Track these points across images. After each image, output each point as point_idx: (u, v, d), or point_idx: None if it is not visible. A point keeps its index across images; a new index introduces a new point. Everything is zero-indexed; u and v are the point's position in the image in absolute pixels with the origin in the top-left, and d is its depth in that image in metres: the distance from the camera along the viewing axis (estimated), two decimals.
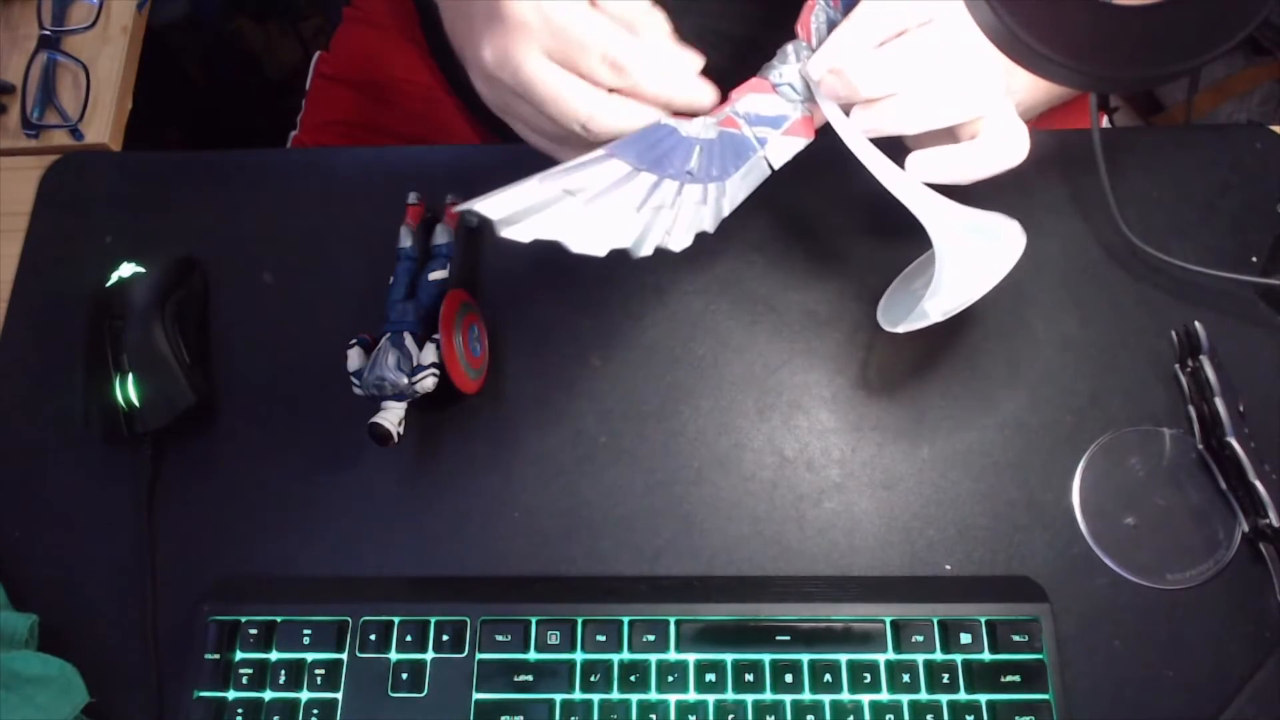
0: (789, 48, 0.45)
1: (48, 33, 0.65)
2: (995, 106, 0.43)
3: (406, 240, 0.52)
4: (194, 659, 0.46)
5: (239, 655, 0.46)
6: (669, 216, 0.42)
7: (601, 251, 0.40)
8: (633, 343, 0.54)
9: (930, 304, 0.42)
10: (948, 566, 0.49)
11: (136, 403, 0.50)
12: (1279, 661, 0.46)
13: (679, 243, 0.43)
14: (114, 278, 0.53)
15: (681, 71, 0.43)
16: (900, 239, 0.55)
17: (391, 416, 0.47)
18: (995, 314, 0.53)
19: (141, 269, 0.53)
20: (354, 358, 0.48)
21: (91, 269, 0.54)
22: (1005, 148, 0.44)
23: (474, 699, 0.45)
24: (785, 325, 0.54)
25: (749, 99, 0.45)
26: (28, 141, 0.63)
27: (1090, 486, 0.50)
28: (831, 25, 0.45)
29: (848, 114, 0.44)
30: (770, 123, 0.45)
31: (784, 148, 0.45)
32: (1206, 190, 0.55)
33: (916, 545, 0.49)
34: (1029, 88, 0.51)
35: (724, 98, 0.45)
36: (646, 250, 0.41)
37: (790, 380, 0.52)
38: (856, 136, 0.44)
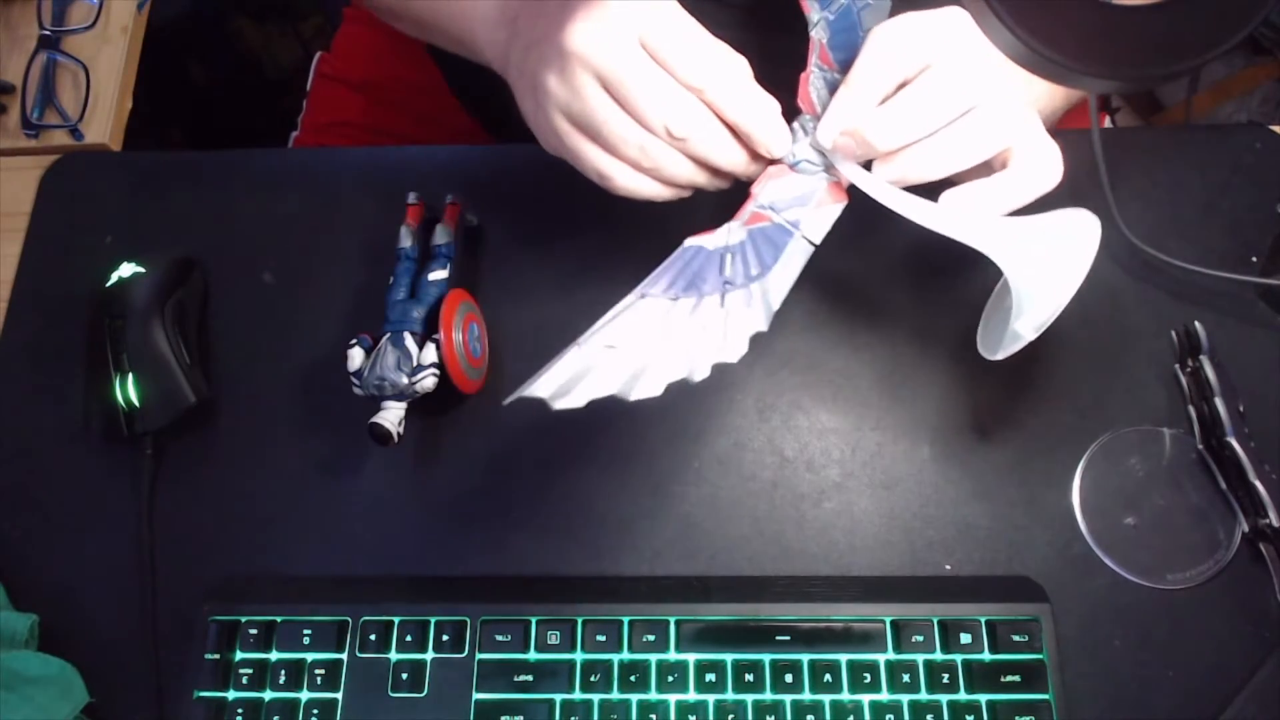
0: (795, 125, 0.45)
1: (48, 33, 0.65)
2: (1021, 131, 0.42)
3: (406, 240, 0.52)
4: (194, 659, 0.46)
5: (239, 655, 0.46)
6: (718, 331, 0.42)
7: (659, 390, 0.39)
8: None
9: (1020, 324, 0.40)
10: (948, 566, 0.49)
11: (136, 403, 0.50)
12: (1279, 661, 0.46)
13: (735, 352, 0.42)
14: (114, 278, 0.53)
15: (761, 119, 0.42)
16: (900, 238, 0.55)
17: (391, 416, 0.47)
18: None
19: (141, 269, 0.53)
20: (354, 358, 0.48)
21: (91, 269, 0.54)
22: (1040, 171, 0.42)
23: (474, 699, 0.45)
24: (785, 325, 0.54)
25: (770, 188, 0.44)
26: (28, 141, 0.63)
27: (1090, 486, 0.50)
28: (831, 88, 0.45)
29: (868, 168, 0.44)
30: (799, 201, 0.45)
31: (820, 220, 0.45)
32: (1206, 190, 0.55)
33: (916, 545, 0.49)
34: (1049, 94, 0.50)
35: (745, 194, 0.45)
36: (704, 373, 0.40)
37: (790, 380, 0.52)
38: (883, 189, 0.43)
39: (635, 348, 0.40)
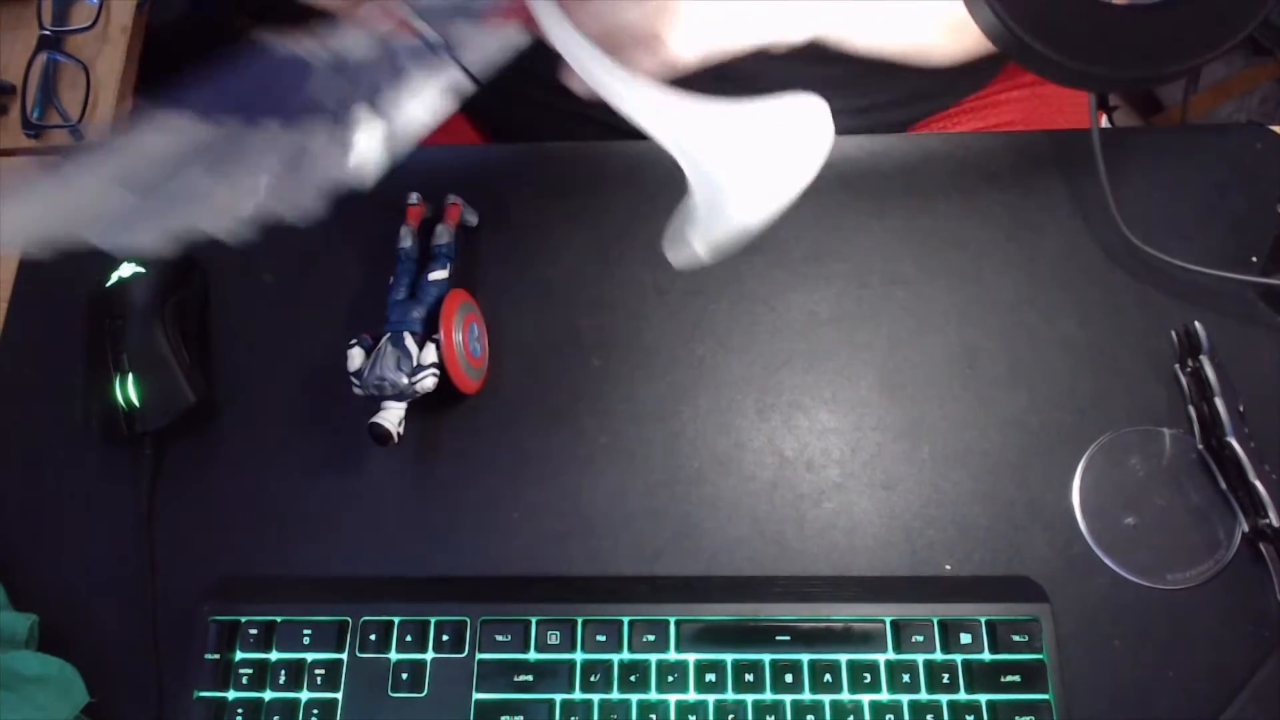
0: None
1: (48, 33, 0.65)
2: None
3: (406, 240, 0.52)
4: (194, 659, 0.46)
5: (239, 655, 0.46)
6: (278, 178, 0.29)
7: (156, 243, 0.28)
8: (633, 343, 0.54)
9: (693, 234, 0.31)
10: (948, 566, 0.49)
11: (136, 403, 0.50)
12: (1279, 661, 0.46)
13: (300, 209, 0.29)
14: (114, 278, 0.53)
15: None
16: (900, 237, 0.55)
17: (391, 416, 0.47)
18: (995, 314, 0.53)
19: (141, 269, 0.53)
20: (354, 358, 0.48)
21: (91, 269, 0.54)
22: None
23: (474, 699, 0.45)
24: (785, 325, 0.54)
25: None
26: (28, 141, 0.63)
27: (1090, 486, 0.50)
28: None
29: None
30: (455, 12, 0.31)
31: (483, 42, 0.31)
32: (1206, 190, 0.55)
33: (916, 545, 0.49)
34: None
35: None
36: (240, 229, 0.28)
37: (790, 380, 0.52)
38: (565, 30, 0.30)
39: (145, 187, 0.28)
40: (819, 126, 0.32)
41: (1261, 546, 0.47)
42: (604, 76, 0.31)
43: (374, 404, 0.48)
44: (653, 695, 0.45)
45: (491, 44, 0.31)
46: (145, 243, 0.27)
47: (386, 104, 0.30)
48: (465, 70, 0.31)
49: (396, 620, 0.46)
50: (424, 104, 0.31)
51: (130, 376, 0.50)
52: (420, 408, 0.50)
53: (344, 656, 0.46)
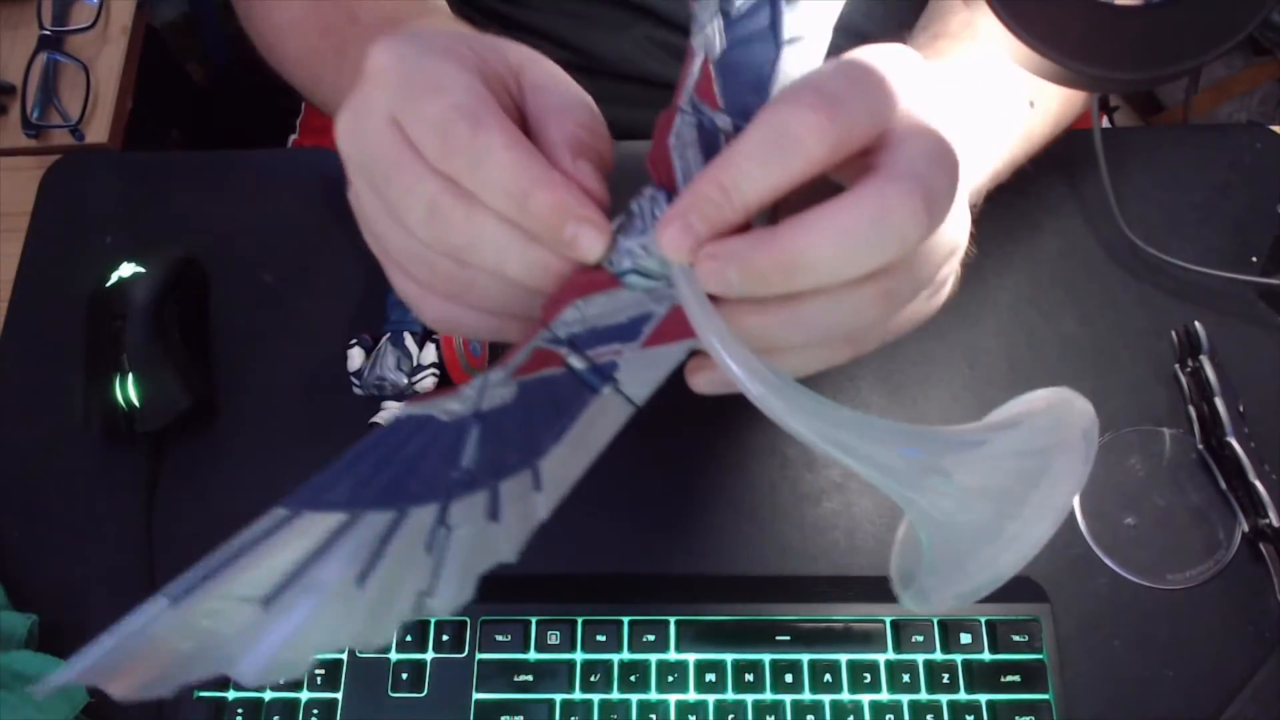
0: (634, 205, 0.27)
1: (48, 33, 0.65)
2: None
3: None
4: None
5: None
6: (425, 567, 0.26)
7: (302, 670, 0.25)
8: None
9: (931, 583, 0.28)
10: None
11: (136, 403, 0.50)
12: (1279, 661, 0.46)
13: (450, 600, 0.26)
14: (114, 278, 0.53)
15: (543, 205, 0.26)
16: None
17: (391, 416, 0.47)
18: (995, 314, 0.53)
19: (141, 269, 0.53)
20: (354, 358, 0.48)
21: (91, 269, 0.54)
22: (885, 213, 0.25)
23: (474, 699, 0.45)
24: None
25: (576, 309, 0.26)
26: (28, 141, 0.63)
27: (1090, 486, 0.50)
28: (707, 146, 0.27)
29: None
30: (621, 334, 0.27)
31: (650, 369, 0.27)
32: (1206, 190, 0.55)
33: None
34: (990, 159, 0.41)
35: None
36: (382, 638, 0.25)
37: None
38: (740, 354, 0.25)
39: (275, 601, 0.24)
40: (1084, 422, 0.26)
41: (1261, 546, 0.47)
42: (809, 418, 0.25)
43: (374, 404, 0.48)
44: (653, 695, 0.45)
45: (655, 367, 0.27)
46: (286, 670, 0.24)
47: (536, 459, 0.26)
48: (626, 398, 0.27)
49: None
50: (582, 448, 0.27)
51: (130, 376, 0.50)
52: None
53: (344, 656, 0.46)
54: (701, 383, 0.29)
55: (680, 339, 0.27)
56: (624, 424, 0.27)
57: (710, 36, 0.28)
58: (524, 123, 0.30)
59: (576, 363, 0.27)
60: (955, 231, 0.30)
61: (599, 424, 0.27)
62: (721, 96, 0.27)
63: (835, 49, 0.29)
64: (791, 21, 0.28)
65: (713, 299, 0.25)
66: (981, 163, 0.39)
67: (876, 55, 0.27)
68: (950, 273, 0.31)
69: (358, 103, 0.29)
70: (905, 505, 0.27)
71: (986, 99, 0.41)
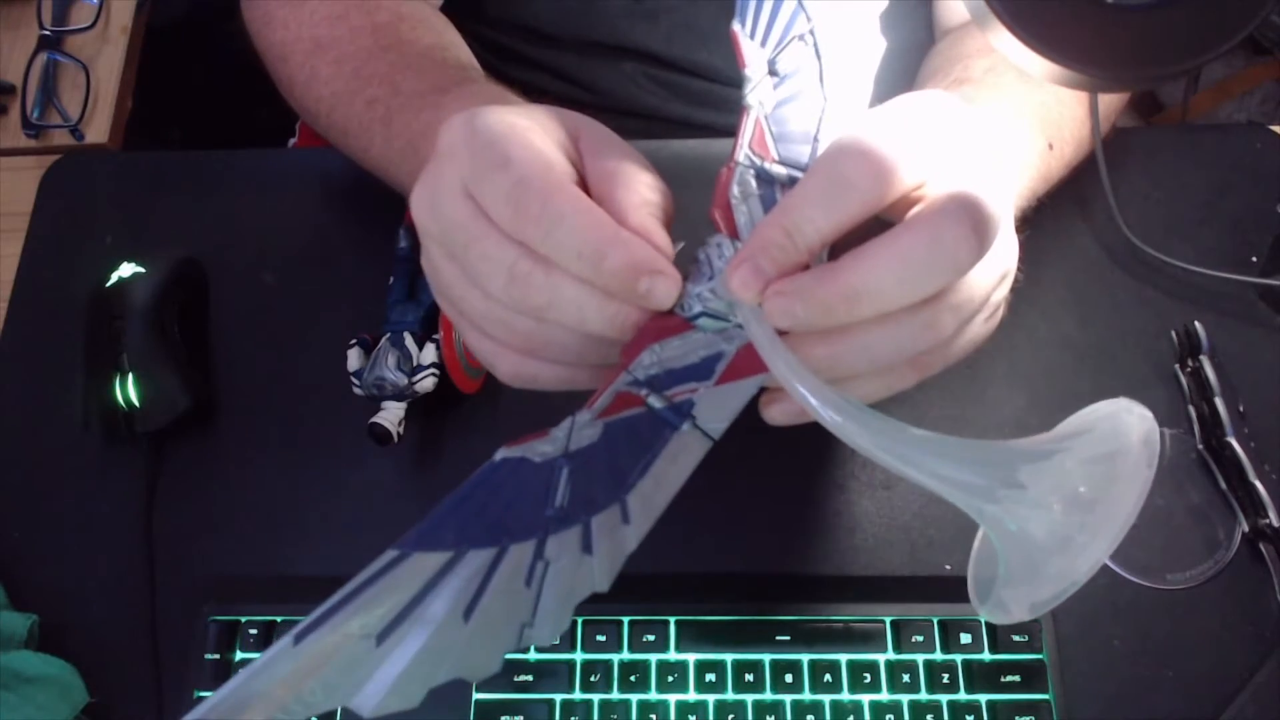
0: (701, 254, 0.30)
1: (48, 33, 0.65)
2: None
3: (405, 240, 0.52)
4: (194, 659, 0.46)
5: (239, 655, 0.46)
6: (525, 599, 0.27)
7: (415, 701, 0.26)
8: None
9: (1009, 595, 0.28)
10: (948, 566, 0.49)
11: (136, 403, 0.50)
12: (1279, 661, 0.46)
13: (549, 631, 0.27)
14: (114, 278, 0.53)
15: (613, 260, 0.28)
16: None
17: (391, 416, 0.47)
18: None
19: (141, 269, 0.53)
20: (354, 358, 0.48)
21: (91, 269, 0.54)
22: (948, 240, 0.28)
23: (474, 699, 0.45)
24: None
25: (652, 353, 0.29)
26: (28, 141, 0.63)
27: None
28: (765, 199, 0.30)
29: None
30: (696, 373, 0.29)
31: (726, 402, 0.29)
32: (1206, 190, 0.55)
33: (916, 545, 0.49)
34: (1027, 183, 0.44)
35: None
36: (490, 669, 0.27)
37: None
38: (813, 385, 0.27)
39: (388, 636, 0.26)
40: (1140, 439, 0.28)
41: (1261, 546, 0.47)
42: (883, 439, 0.28)
43: (374, 404, 0.48)
44: (653, 695, 0.45)
45: (729, 402, 0.29)
46: (401, 702, 0.26)
47: (624, 494, 0.28)
48: (704, 433, 0.29)
49: None
50: (666, 483, 0.29)
51: (130, 376, 0.50)
52: (420, 408, 0.50)
53: None
54: (776, 414, 0.30)
55: (751, 374, 0.29)
56: (702, 458, 0.29)
57: (762, 94, 0.30)
58: (584, 184, 0.31)
59: (656, 403, 0.29)
60: (1005, 256, 0.31)
61: (680, 459, 0.28)
62: (775, 149, 0.30)
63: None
64: (835, 75, 0.30)
65: (781, 335, 0.28)
66: (1014, 196, 0.41)
67: (919, 102, 0.30)
68: (1003, 295, 0.33)
69: (432, 177, 0.31)
70: (980, 519, 0.28)
71: (1010, 141, 0.44)
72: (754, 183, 0.30)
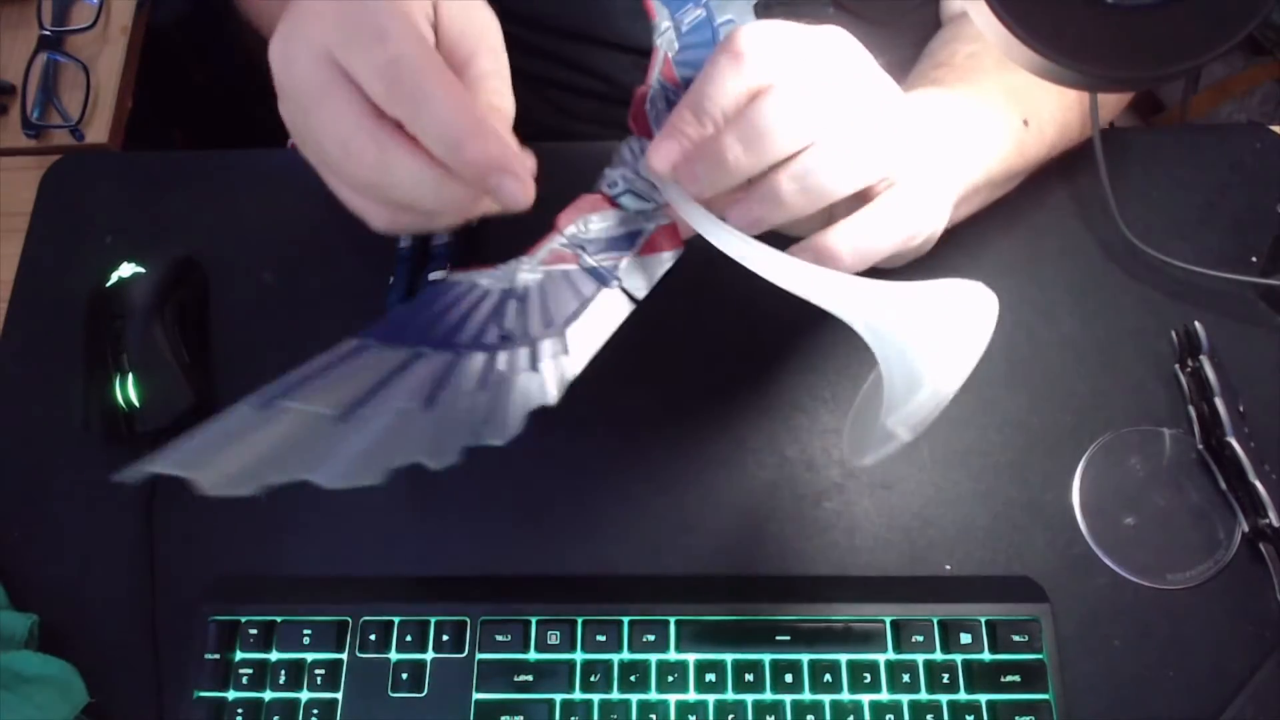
0: (623, 147, 0.36)
1: (48, 33, 0.65)
2: (895, 161, 0.36)
3: (406, 240, 0.52)
4: (194, 659, 0.46)
5: (239, 655, 0.46)
6: (480, 401, 0.30)
7: (378, 478, 0.27)
8: (632, 343, 0.54)
9: (893, 420, 0.32)
10: (948, 566, 0.49)
11: (136, 403, 0.50)
12: (1279, 661, 0.46)
13: (502, 431, 0.30)
14: (114, 278, 0.53)
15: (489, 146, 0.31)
16: None
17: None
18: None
19: (141, 269, 0.53)
20: None
21: (91, 269, 0.54)
22: (907, 210, 0.35)
23: (474, 699, 0.45)
24: (785, 325, 0.54)
25: (582, 222, 0.35)
26: (28, 141, 0.63)
27: (1090, 486, 0.50)
28: (672, 108, 0.36)
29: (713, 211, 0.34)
30: (618, 245, 0.35)
31: (644, 271, 0.35)
32: (1206, 190, 0.55)
33: (916, 545, 0.49)
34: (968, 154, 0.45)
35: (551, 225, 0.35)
36: (450, 458, 0.29)
37: (790, 380, 0.52)
38: (727, 234, 0.34)
39: (349, 416, 0.28)
40: (987, 298, 0.33)
41: (1261, 546, 0.47)
42: (784, 268, 0.33)
43: None
44: (653, 695, 0.45)
45: (650, 268, 0.35)
46: (363, 478, 0.27)
47: (564, 328, 0.33)
48: (628, 294, 0.35)
49: (396, 620, 0.46)
50: (597, 328, 0.34)
51: (130, 376, 0.50)
52: None
53: (344, 656, 0.46)
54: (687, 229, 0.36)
55: (668, 249, 0.35)
56: (626, 316, 0.34)
57: (668, 40, 0.38)
58: (438, 43, 0.34)
59: (588, 261, 0.34)
60: (881, 162, 0.35)
61: (608, 313, 0.34)
62: (680, 79, 0.37)
63: None
64: (724, 32, 0.39)
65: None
66: (963, 159, 0.44)
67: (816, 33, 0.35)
68: (905, 233, 0.37)
69: (292, 32, 0.33)
70: (871, 334, 0.33)
71: (975, 118, 0.46)
72: (663, 97, 0.37)
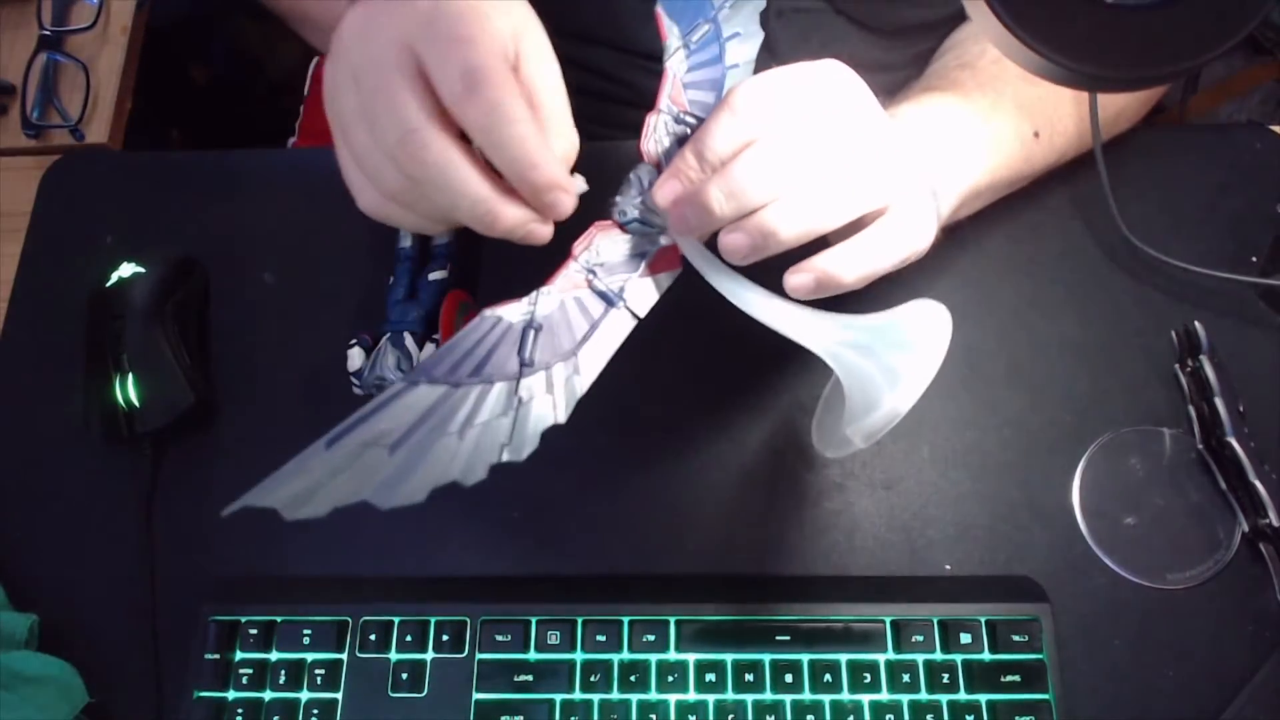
0: (632, 175, 0.38)
1: (48, 33, 0.65)
2: (886, 193, 0.37)
3: (406, 240, 0.52)
4: (194, 659, 0.46)
5: (239, 655, 0.46)
6: (503, 425, 0.35)
7: (422, 496, 0.33)
8: (632, 342, 0.54)
9: (851, 430, 0.35)
10: (948, 566, 0.49)
11: (136, 403, 0.50)
12: (1279, 661, 0.46)
13: (521, 450, 0.35)
14: (114, 278, 0.53)
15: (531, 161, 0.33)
16: None
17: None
18: (995, 314, 0.53)
19: (141, 269, 0.53)
20: (354, 358, 0.48)
21: (91, 269, 0.54)
22: (897, 237, 0.37)
23: (474, 699, 0.45)
24: None
25: (596, 247, 0.37)
26: (28, 141, 0.63)
27: (1090, 486, 0.50)
28: (678, 137, 0.38)
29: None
30: (625, 267, 0.38)
31: (648, 290, 0.38)
32: (1206, 190, 0.55)
33: (916, 545, 0.49)
34: (957, 180, 0.46)
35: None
36: (479, 475, 0.34)
37: (790, 380, 0.52)
38: (714, 269, 0.37)
39: (399, 447, 0.33)
40: (942, 322, 0.36)
41: (1261, 546, 0.47)
42: (760, 303, 0.38)
43: None
44: (653, 695, 0.45)
45: (653, 289, 0.39)
46: (410, 498, 0.33)
47: (576, 351, 0.37)
48: (632, 312, 0.38)
49: (396, 620, 0.46)
50: (604, 347, 0.38)
51: (130, 376, 0.50)
52: None
53: (344, 656, 0.46)
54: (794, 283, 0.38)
55: (667, 270, 0.39)
56: (629, 333, 0.38)
57: (678, 61, 0.39)
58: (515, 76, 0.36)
59: (599, 285, 0.37)
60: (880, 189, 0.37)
61: (614, 331, 0.37)
62: (686, 102, 0.39)
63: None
64: (731, 51, 0.40)
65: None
66: (966, 164, 0.46)
67: (809, 70, 0.37)
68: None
69: (378, 10, 0.34)
70: (835, 361, 0.36)
71: (983, 126, 0.47)
72: (672, 124, 0.39)
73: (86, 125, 0.63)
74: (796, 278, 0.37)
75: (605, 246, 0.38)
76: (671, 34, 0.38)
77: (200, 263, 0.56)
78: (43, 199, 0.59)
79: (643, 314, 0.38)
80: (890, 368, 0.35)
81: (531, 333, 0.36)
